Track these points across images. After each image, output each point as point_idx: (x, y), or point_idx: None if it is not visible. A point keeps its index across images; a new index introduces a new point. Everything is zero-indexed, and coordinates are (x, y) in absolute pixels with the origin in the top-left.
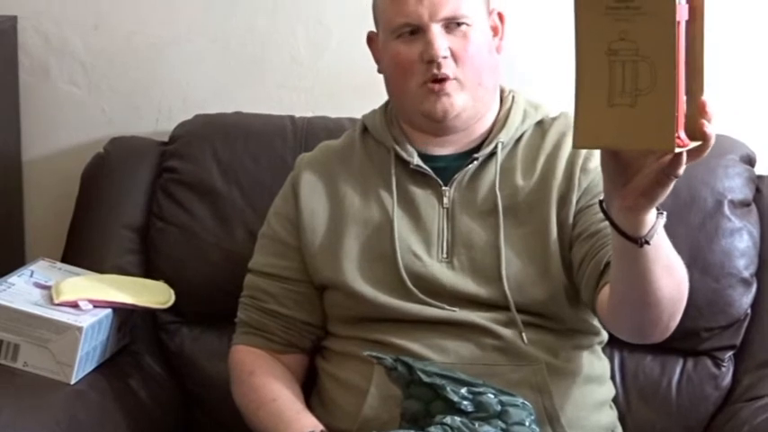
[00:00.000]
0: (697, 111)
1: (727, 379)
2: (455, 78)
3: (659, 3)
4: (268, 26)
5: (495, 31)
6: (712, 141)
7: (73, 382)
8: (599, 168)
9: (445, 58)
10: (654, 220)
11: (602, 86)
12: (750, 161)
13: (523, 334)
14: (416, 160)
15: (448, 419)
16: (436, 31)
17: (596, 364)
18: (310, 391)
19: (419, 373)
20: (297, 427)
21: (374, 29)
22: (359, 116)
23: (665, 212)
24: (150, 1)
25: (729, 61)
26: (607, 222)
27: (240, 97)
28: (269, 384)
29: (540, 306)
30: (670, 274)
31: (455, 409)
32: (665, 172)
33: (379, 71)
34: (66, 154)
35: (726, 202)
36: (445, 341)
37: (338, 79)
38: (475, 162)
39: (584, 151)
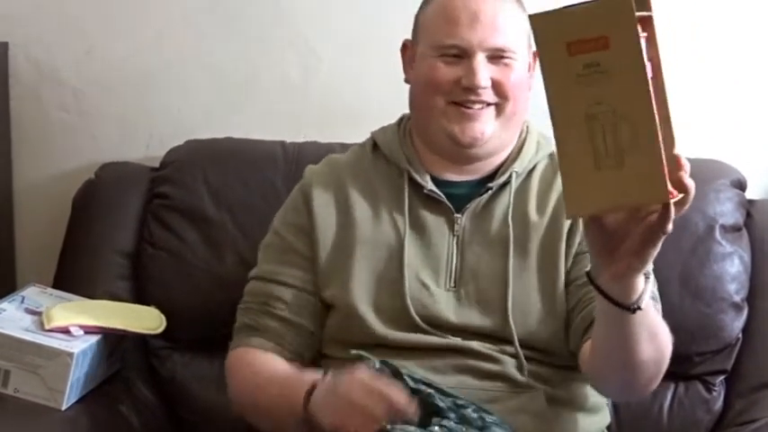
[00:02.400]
0: (673, 163)
1: (719, 403)
2: (494, 104)
3: (628, 63)
4: (259, 52)
5: (529, 68)
6: (693, 192)
7: (64, 408)
8: None
9: (485, 88)
10: (644, 285)
11: (587, 153)
12: (741, 186)
13: (524, 368)
14: (430, 185)
15: (445, 422)
16: (480, 59)
17: (593, 393)
18: None
19: (406, 377)
20: (306, 380)
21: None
22: (349, 141)
23: (652, 275)
24: (141, 27)
25: (720, 87)
26: None
27: (231, 123)
28: (273, 364)
29: (543, 343)
30: (653, 339)
31: (441, 416)
32: (653, 229)
33: (407, 81)
34: (57, 180)
35: (717, 227)
36: (444, 364)
37: (329, 105)
38: (489, 191)
39: None
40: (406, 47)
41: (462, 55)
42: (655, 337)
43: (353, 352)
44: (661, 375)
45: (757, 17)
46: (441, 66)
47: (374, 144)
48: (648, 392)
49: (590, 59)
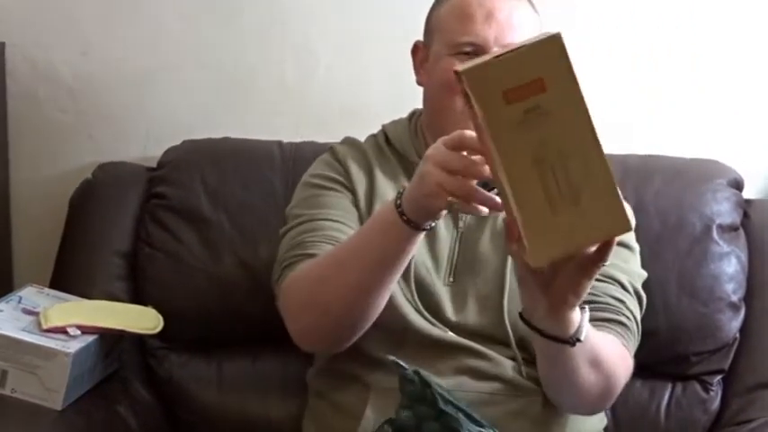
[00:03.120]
0: None
1: (716, 403)
2: None
3: (568, 99)
4: (256, 52)
5: None
6: (634, 221)
7: (61, 408)
8: None
9: None
10: (580, 316)
11: (540, 198)
12: (738, 185)
13: (523, 368)
14: None
15: None
16: None
17: None
18: (302, 411)
19: (437, 396)
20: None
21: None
22: None
23: (587, 307)
24: (138, 27)
25: (717, 86)
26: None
27: (228, 123)
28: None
29: None
30: (596, 366)
31: None
32: (593, 261)
33: (419, 83)
34: (54, 180)
35: (714, 227)
36: (445, 366)
37: (326, 105)
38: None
39: None
40: (417, 48)
41: (478, 52)
42: (598, 364)
43: (391, 359)
44: (614, 395)
45: (754, 16)
46: (457, 64)
47: (386, 137)
48: (602, 410)
49: (529, 104)
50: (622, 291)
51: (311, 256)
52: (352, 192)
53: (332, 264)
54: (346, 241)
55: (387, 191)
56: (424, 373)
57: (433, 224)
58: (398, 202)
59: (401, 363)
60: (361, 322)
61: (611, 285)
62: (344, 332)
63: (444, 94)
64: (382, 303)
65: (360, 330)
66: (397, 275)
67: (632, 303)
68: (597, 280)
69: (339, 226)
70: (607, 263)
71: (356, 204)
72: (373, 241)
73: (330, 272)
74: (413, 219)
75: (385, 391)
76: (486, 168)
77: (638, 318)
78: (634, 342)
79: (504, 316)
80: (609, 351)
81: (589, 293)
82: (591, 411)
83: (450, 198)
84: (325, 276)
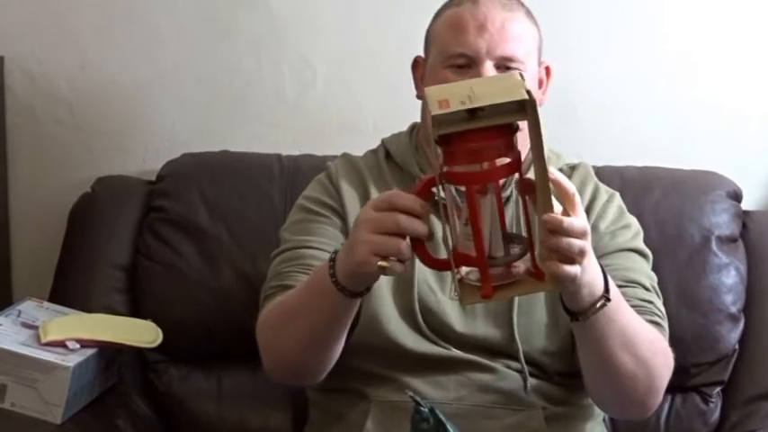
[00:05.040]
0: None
1: (716, 415)
2: None
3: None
4: (253, 65)
5: (540, 83)
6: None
7: (60, 422)
8: (610, 228)
9: None
10: (591, 303)
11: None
12: (736, 197)
13: (528, 383)
14: (441, 193)
15: None
16: (488, 67)
17: (592, 407)
18: (302, 424)
19: None
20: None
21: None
22: None
23: (611, 298)
24: (136, 41)
25: (715, 98)
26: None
27: (226, 136)
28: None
29: (548, 357)
30: (629, 349)
31: None
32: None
33: (418, 97)
34: (53, 193)
35: (713, 238)
36: (447, 379)
37: (324, 117)
38: None
39: (596, 209)
40: (417, 63)
41: (470, 63)
42: (631, 346)
43: (409, 394)
44: (656, 393)
45: (753, 27)
46: (450, 75)
47: (386, 152)
48: (648, 409)
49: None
50: (646, 292)
51: (287, 287)
52: (343, 217)
53: (284, 316)
54: (297, 292)
55: None
56: (438, 411)
57: (369, 289)
58: (332, 270)
59: (417, 399)
60: (321, 366)
61: (637, 289)
62: (306, 375)
63: None
64: (338, 351)
65: (323, 371)
66: (347, 329)
67: (658, 302)
68: (624, 286)
69: (320, 254)
70: (627, 268)
71: (345, 230)
72: (315, 305)
73: (283, 323)
74: (348, 287)
75: (386, 404)
76: (421, 224)
77: (665, 313)
78: (667, 336)
79: (513, 330)
80: (643, 337)
81: None
82: (635, 408)
83: (380, 263)
84: (279, 326)
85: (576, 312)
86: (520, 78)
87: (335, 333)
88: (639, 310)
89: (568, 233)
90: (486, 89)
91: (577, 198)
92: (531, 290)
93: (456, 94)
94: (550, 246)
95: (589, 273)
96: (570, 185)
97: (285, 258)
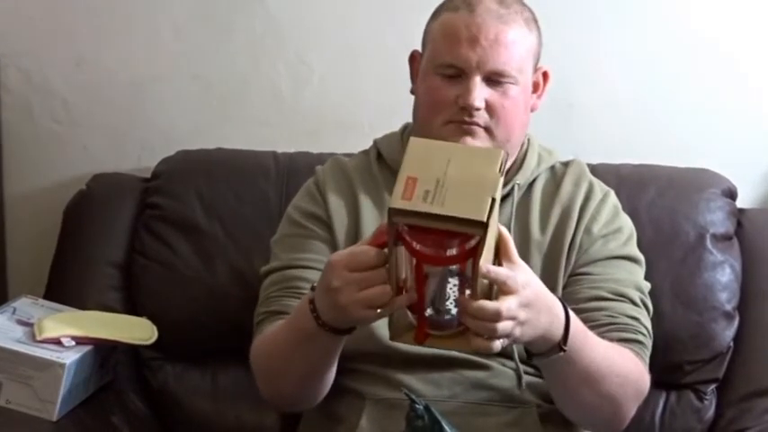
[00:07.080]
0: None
1: (710, 412)
2: (486, 128)
3: None
4: (249, 63)
5: (535, 87)
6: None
7: (55, 419)
8: (602, 232)
9: (478, 109)
10: (545, 351)
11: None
12: (731, 194)
13: (523, 382)
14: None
15: None
16: (477, 80)
17: None
18: (297, 421)
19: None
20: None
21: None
22: (341, 152)
23: (566, 349)
24: (131, 38)
25: (710, 96)
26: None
27: (222, 133)
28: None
29: None
30: (590, 388)
31: None
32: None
33: (412, 92)
34: (48, 191)
35: (708, 236)
36: (441, 376)
37: (320, 115)
38: None
39: (590, 210)
40: (414, 57)
41: (459, 75)
42: (594, 383)
43: (404, 391)
44: (622, 417)
45: (748, 26)
46: (439, 83)
47: (378, 152)
48: (614, 430)
49: None
50: (634, 307)
51: (276, 312)
52: (329, 227)
53: (278, 358)
54: (287, 335)
55: (370, 214)
56: (433, 408)
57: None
58: (315, 314)
59: (412, 396)
60: (318, 393)
61: (624, 304)
62: (303, 404)
63: (430, 108)
64: (333, 374)
65: (321, 396)
66: (339, 353)
67: (645, 318)
68: (611, 300)
69: (308, 273)
70: (616, 280)
71: (333, 239)
72: (306, 348)
73: (277, 365)
74: (335, 326)
75: (380, 402)
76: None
77: (650, 329)
78: (648, 354)
79: None
80: (609, 371)
81: (607, 315)
82: (604, 430)
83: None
84: (273, 368)
85: (532, 354)
86: (498, 172)
87: (330, 363)
88: (624, 328)
89: (476, 316)
90: (460, 172)
91: (511, 280)
92: (464, 347)
93: (428, 171)
94: (464, 321)
95: (537, 328)
96: (503, 275)
97: (274, 281)
